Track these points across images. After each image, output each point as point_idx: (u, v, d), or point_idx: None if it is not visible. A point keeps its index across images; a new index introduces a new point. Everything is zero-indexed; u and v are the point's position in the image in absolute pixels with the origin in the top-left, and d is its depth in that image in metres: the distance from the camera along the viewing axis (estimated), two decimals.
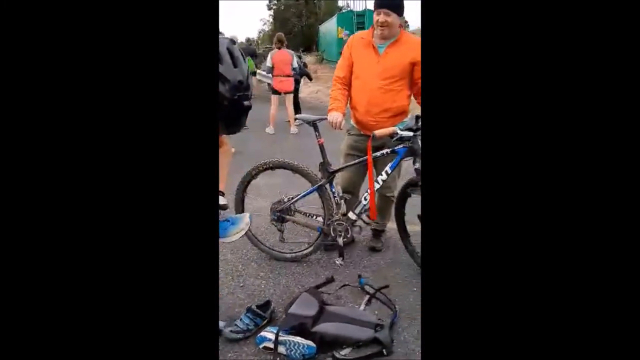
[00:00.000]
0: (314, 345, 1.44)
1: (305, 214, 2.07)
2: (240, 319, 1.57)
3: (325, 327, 1.51)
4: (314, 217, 2.04)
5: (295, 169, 1.95)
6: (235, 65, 0.96)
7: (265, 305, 1.65)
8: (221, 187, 1.37)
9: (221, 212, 1.32)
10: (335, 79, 2.00)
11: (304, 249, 2.09)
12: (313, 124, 1.91)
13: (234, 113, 0.99)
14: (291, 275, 1.99)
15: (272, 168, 1.99)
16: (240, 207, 2.10)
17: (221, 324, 1.56)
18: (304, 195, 2.01)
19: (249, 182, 2.05)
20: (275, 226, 2.08)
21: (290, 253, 2.11)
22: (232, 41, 1.00)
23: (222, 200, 1.33)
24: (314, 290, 1.74)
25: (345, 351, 1.46)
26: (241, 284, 1.92)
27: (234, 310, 1.71)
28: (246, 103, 0.99)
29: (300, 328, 1.49)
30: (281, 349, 1.44)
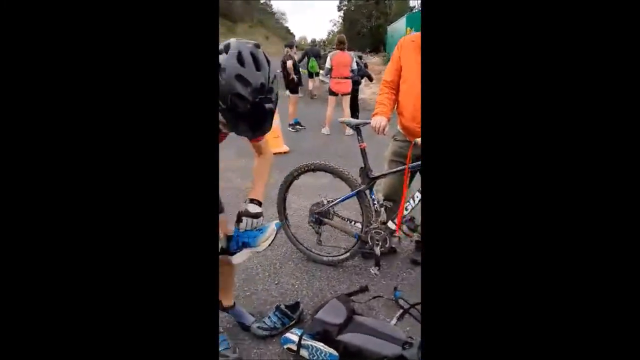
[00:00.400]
0: (336, 354, 1.42)
1: (343, 218, 2.05)
2: (269, 317, 1.60)
3: (351, 338, 1.47)
4: (352, 222, 2.01)
5: (335, 173, 1.93)
6: (257, 68, 0.97)
7: (295, 307, 1.66)
8: (258, 196, 1.34)
9: (254, 220, 1.29)
10: (382, 83, 1.95)
11: (341, 254, 2.06)
12: (356, 128, 1.88)
13: (256, 116, 0.99)
14: (325, 279, 1.98)
15: (313, 170, 2.00)
16: (282, 206, 2.14)
17: (250, 318, 1.60)
18: (342, 200, 1.98)
19: (291, 183, 2.08)
20: (313, 228, 2.08)
21: (327, 256, 2.10)
22: (257, 45, 1.02)
23: (256, 209, 1.30)
24: (345, 298, 1.71)
25: None
26: (276, 282, 1.96)
27: (265, 306, 1.75)
28: (268, 106, 0.99)
29: (325, 335, 1.47)
30: (304, 353, 1.44)
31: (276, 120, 4.42)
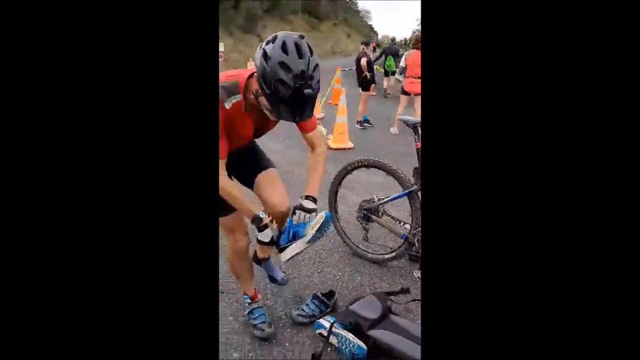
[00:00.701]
0: (365, 347, 1.43)
1: (393, 218, 2.03)
2: (307, 304, 1.67)
3: (381, 335, 1.47)
4: (401, 223, 1.98)
5: (388, 170, 1.92)
6: (300, 57, 1.04)
7: (330, 294, 1.71)
8: (313, 192, 1.36)
9: (307, 215, 1.32)
10: None
11: (386, 253, 2.05)
12: (413, 127, 1.84)
13: (296, 100, 1.06)
14: (367, 275, 1.99)
15: (367, 166, 2.01)
16: (333, 199, 2.19)
17: (280, 274, 1.72)
18: (392, 199, 1.96)
19: (344, 177, 2.12)
20: (361, 224, 2.10)
21: (372, 254, 2.10)
22: (301, 36, 1.09)
23: (310, 205, 1.33)
24: (383, 296, 1.71)
25: None
26: (319, 270, 2.02)
27: (305, 291, 1.82)
28: (307, 91, 1.04)
29: (356, 327, 1.50)
30: (333, 340, 1.48)
31: (343, 117, 4.47)
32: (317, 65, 1.08)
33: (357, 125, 5.55)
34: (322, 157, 1.44)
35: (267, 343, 1.51)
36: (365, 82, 5.50)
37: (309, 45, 1.08)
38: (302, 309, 1.65)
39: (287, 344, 1.51)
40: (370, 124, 5.64)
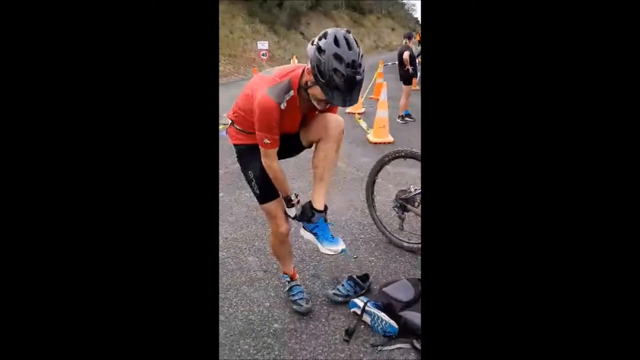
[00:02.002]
0: (396, 326, 1.52)
1: None
2: (342, 285, 1.78)
3: (412, 315, 1.55)
4: None
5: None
6: (349, 48, 1.19)
7: (365, 277, 1.80)
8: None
9: (309, 216, 1.48)
10: None
11: (419, 243, 2.10)
12: None
13: (348, 86, 1.20)
14: (402, 263, 2.06)
15: (404, 157, 2.07)
16: (370, 189, 2.27)
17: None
18: None
19: (381, 167, 2.20)
20: (397, 213, 2.16)
21: (407, 243, 2.16)
22: (348, 31, 1.23)
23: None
24: (416, 281, 1.77)
25: None
26: (355, 256, 2.12)
27: (342, 274, 1.94)
28: (358, 77, 1.20)
29: (388, 307, 1.58)
30: (366, 318, 1.58)
31: (383, 111, 4.50)
32: (362, 55, 1.23)
33: (399, 120, 5.53)
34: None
35: (304, 317, 1.64)
36: (407, 76, 5.46)
37: (355, 39, 1.22)
38: (338, 289, 1.76)
39: (323, 319, 1.64)
40: (412, 118, 5.59)
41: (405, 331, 1.52)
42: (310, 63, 1.22)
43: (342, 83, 1.18)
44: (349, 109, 5.98)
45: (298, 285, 1.73)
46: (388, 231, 2.25)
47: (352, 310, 1.65)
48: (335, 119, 1.44)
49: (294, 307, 1.67)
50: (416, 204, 2.10)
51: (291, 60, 8.34)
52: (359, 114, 5.91)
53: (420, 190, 2.06)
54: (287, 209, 1.53)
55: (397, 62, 5.76)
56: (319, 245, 1.49)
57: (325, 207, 1.51)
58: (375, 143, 4.41)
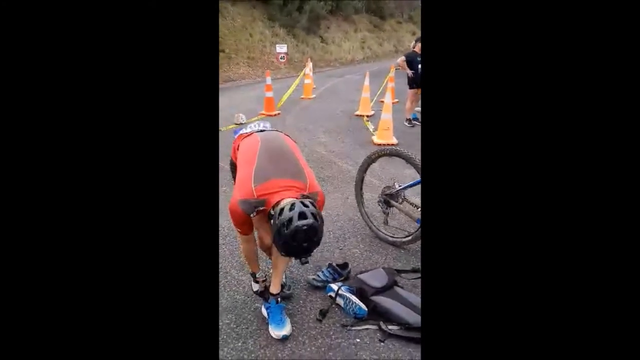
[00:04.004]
0: (366, 309, 1.63)
1: (411, 204, 2.18)
2: (322, 272, 1.91)
3: (382, 300, 1.66)
4: (418, 208, 2.12)
5: (407, 158, 2.08)
6: (294, 239, 1.28)
7: (344, 266, 1.93)
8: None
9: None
10: None
11: (404, 237, 2.20)
12: None
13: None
14: (384, 256, 2.17)
15: (389, 155, 2.18)
16: (359, 186, 2.39)
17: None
18: (409, 185, 2.11)
19: (369, 165, 2.32)
20: (381, 208, 2.28)
21: (392, 237, 2.27)
22: (305, 204, 1.31)
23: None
24: (391, 270, 1.88)
25: (393, 327, 1.58)
26: (340, 247, 2.24)
27: (324, 263, 2.06)
28: (303, 261, 1.39)
29: (360, 292, 1.70)
30: (339, 301, 1.71)
31: (388, 114, 4.59)
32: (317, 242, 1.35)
33: (406, 123, 5.60)
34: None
35: (284, 300, 1.78)
36: (411, 80, 5.52)
37: (312, 214, 1.29)
38: (318, 275, 1.89)
39: (301, 302, 1.77)
40: (419, 121, 5.65)
41: (374, 313, 1.64)
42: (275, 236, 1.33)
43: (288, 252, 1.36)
44: (358, 112, 6.10)
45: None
46: (374, 225, 2.36)
47: (328, 294, 1.77)
48: None
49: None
50: (399, 199, 2.20)
51: (306, 64, 8.53)
52: (367, 116, 6.01)
53: (403, 187, 2.17)
54: (252, 283, 1.78)
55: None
56: (269, 326, 1.59)
57: (280, 291, 1.65)
58: (380, 145, 4.51)
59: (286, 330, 1.55)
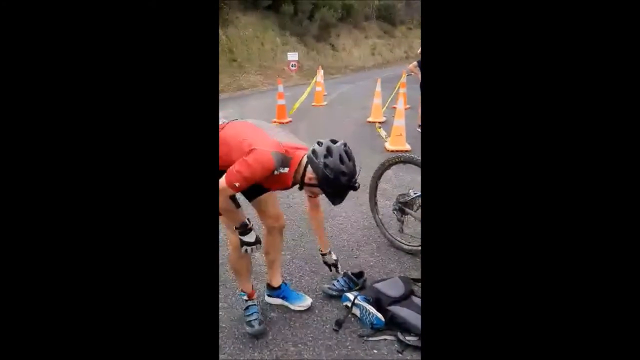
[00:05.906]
0: (383, 319, 1.61)
1: None
2: (337, 280, 1.89)
3: (399, 310, 1.63)
4: None
5: (420, 166, 2.06)
6: (350, 162, 1.43)
7: (359, 274, 1.91)
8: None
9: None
10: None
11: (420, 245, 2.17)
12: None
13: (343, 194, 1.47)
14: (400, 264, 2.14)
15: (403, 162, 2.17)
16: (373, 193, 2.38)
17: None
18: None
19: (382, 172, 2.30)
20: (396, 216, 2.25)
21: (407, 245, 2.24)
22: (344, 144, 1.48)
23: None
24: (408, 279, 1.85)
25: (411, 337, 1.55)
26: (355, 256, 2.22)
27: (340, 271, 2.05)
28: (354, 187, 1.45)
29: (377, 302, 1.68)
30: (355, 311, 1.68)
31: (400, 120, 4.58)
32: (360, 168, 1.49)
33: (418, 129, 5.57)
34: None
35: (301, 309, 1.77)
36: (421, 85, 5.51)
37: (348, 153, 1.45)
38: (333, 284, 1.87)
39: (316, 311, 1.76)
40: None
41: (391, 324, 1.61)
42: (315, 173, 1.40)
43: (341, 191, 1.45)
44: (370, 118, 6.09)
45: (255, 305, 1.67)
46: (389, 234, 2.34)
47: (344, 303, 1.76)
48: (282, 215, 1.76)
49: (247, 327, 1.60)
50: (415, 207, 2.18)
51: (317, 71, 8.58)
52: (379, 122, 6.00)
53: (419, 194, 2.15)
54: (244, 238, 1.47)
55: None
56: (290, 305, 1.75)
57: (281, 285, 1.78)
58: (392, 151, 4.48)
59: (308, 299, 1.76)
